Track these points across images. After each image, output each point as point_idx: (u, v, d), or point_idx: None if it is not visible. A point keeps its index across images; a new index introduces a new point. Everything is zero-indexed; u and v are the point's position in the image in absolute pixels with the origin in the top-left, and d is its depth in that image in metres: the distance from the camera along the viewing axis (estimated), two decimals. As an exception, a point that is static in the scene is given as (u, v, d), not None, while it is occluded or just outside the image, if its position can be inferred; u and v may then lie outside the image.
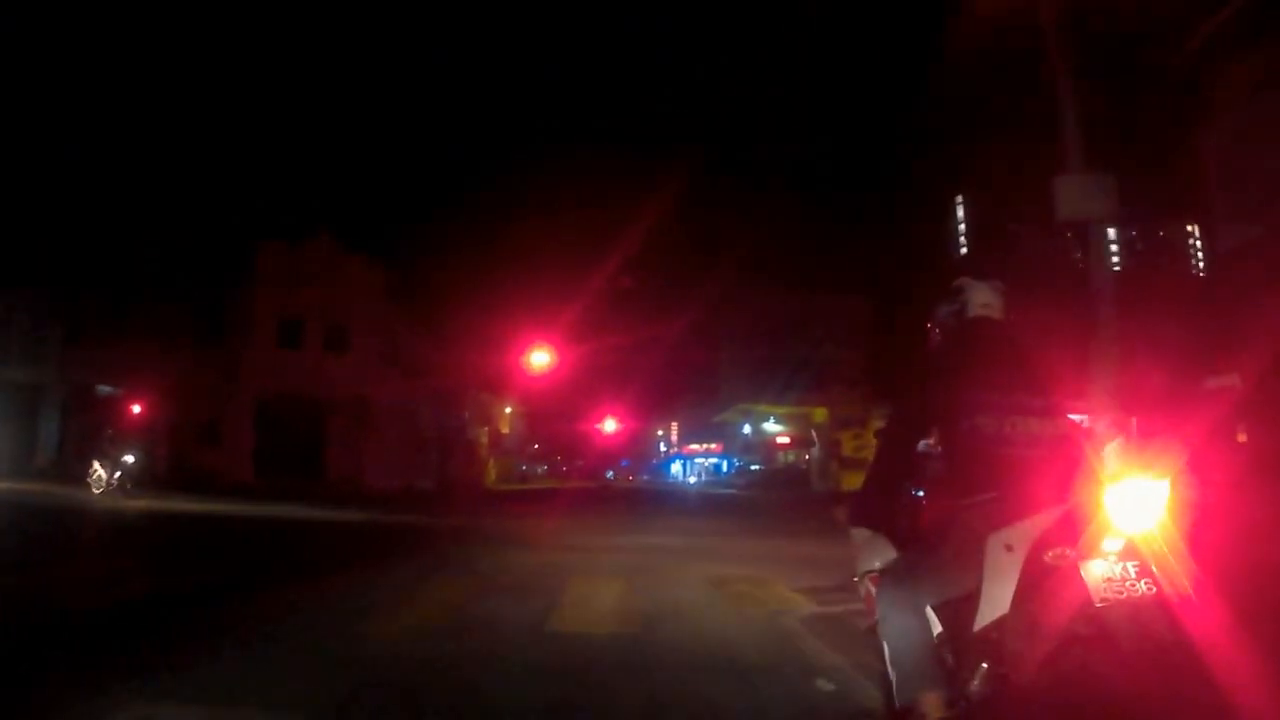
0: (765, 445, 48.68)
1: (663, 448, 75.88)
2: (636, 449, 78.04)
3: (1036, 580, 2.50)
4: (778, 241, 48.68)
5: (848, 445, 41.02)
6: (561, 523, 18.24)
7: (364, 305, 34.45)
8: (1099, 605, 2.39)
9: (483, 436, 47.76)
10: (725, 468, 58.45)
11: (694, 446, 65.98)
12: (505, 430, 53.98)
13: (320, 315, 33.85)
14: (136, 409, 25.00)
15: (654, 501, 30.44)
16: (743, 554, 11.15)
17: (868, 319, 44.00)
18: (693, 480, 63.60)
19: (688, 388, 59.85)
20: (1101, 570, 2.43)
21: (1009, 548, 2.57)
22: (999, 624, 2.56)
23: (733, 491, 43.34)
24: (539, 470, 71.31)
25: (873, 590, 3.09)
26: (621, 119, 76.62)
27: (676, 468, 69.81)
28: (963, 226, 42.55)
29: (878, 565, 3.14)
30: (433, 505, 23.17)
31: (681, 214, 53.29)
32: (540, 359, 32.68)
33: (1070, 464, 2.65)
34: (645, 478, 72.31)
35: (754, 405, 48.21)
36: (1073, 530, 2.49)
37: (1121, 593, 2.39)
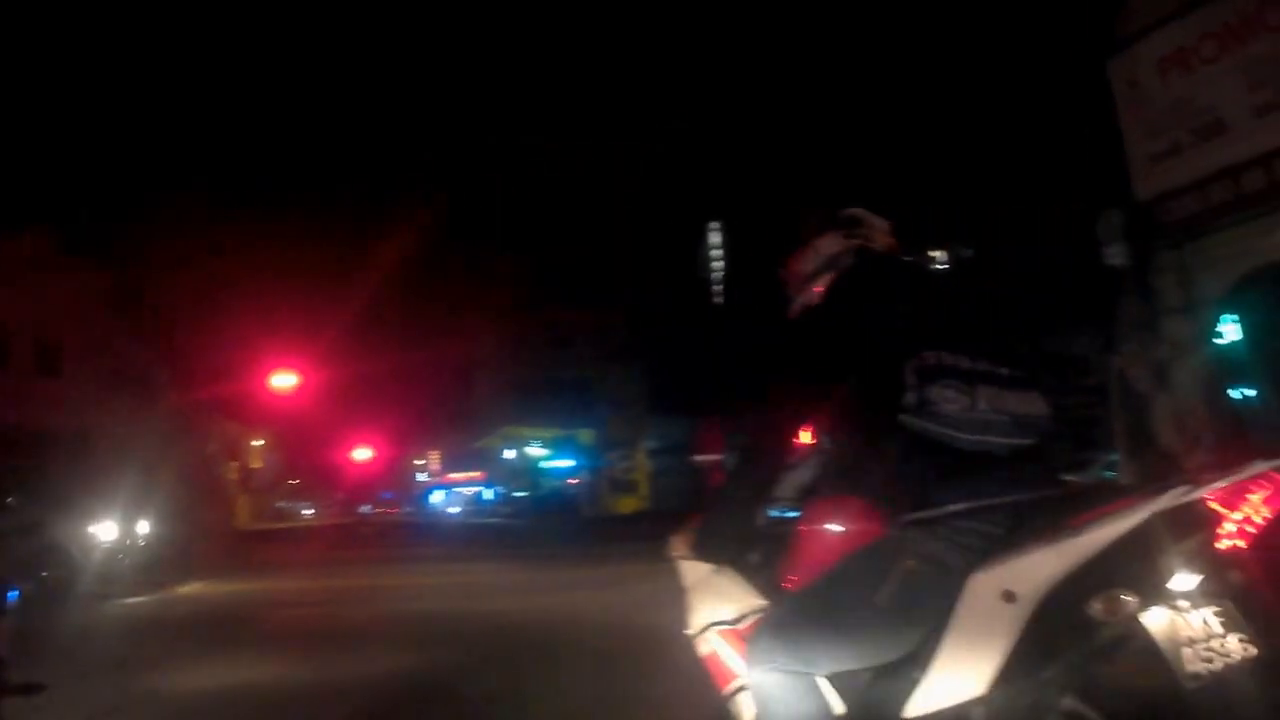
0: (531, 470, 48.15)
1: (423, 477, 73.10)
2: (398, 479, 74.71)
3: (1056, 644, 1.67)
4: (537, 261, 47.15)
5: (617, 467, 41.46)
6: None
7: (83, 318, 30.15)
8: (1191, 686, 1.55)
9: (231, 473, 43.40)
10: (490, 496, 57.28)
11: (455, 475, 64.01)
12: (258, 465, 49.57)
13: (30, 328, 29.17)
14: None
15: (411, 544, 25.80)
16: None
17: (625, 338, 44.01)
18: (454, 511, 61.78)
19: (449, 414, 57.99)
20: (1176, 627, 1.59)
21: (1009, 595, 1.68)
22: (964, 712, 1.74)
23: (498, 520, 42.29)
24: (301, 509, 65.07)
25: (721, 650, 2.21)
26: (386, 142, 73.10)
27: (438, 497, 67.37)
28: (717, 252, 42.92)
29: (730, 615, 2.23)
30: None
31: (440, 238, 51.32)
32: (285, 380, 30.70)
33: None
34: (409, 509, 69.31)
35: (517, 429, 47.57)
36: (1131, 564, 1.62)
37: (1213, 660, 1.55)
